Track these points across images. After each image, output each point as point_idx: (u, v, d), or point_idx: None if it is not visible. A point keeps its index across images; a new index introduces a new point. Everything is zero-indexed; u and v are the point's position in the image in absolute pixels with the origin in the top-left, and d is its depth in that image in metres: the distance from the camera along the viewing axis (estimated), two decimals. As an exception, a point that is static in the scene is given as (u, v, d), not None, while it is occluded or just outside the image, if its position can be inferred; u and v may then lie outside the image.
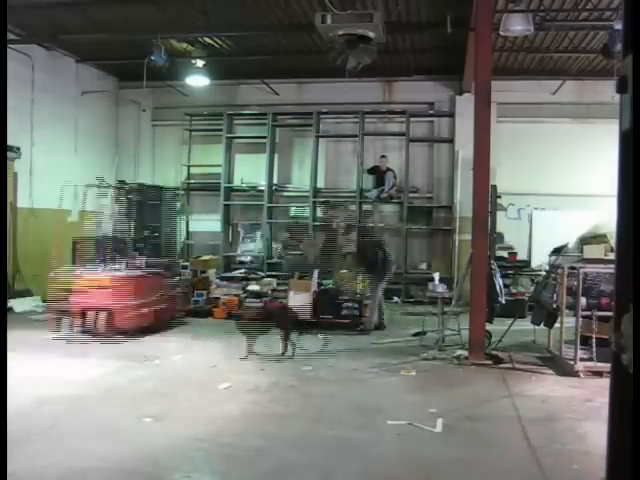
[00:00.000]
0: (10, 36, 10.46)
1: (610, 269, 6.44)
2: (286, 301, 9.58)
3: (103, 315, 8.32)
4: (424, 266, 13.76)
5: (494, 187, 10.05)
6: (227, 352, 7.78)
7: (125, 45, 11.94)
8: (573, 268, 7.13)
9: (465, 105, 11.66)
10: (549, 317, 7.65)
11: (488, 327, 7.86)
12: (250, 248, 14.42)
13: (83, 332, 8.39)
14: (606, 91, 10.07)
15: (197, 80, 12.49)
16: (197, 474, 4.22)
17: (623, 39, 1.53)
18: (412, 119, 13.54)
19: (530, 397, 6.07)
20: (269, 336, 7.70)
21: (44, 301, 11.29)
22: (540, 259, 11.73)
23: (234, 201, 14.51)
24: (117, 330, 8.33)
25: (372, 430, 5.00)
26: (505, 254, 12.34)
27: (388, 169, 13.55)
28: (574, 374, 6.76)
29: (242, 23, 10.91)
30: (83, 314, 8.39)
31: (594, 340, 6.67)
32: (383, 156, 13.61)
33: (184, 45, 11.65)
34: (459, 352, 7.62)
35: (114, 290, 8.43)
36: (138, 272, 9.19)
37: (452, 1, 9.62)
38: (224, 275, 12.01)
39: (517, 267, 12.27)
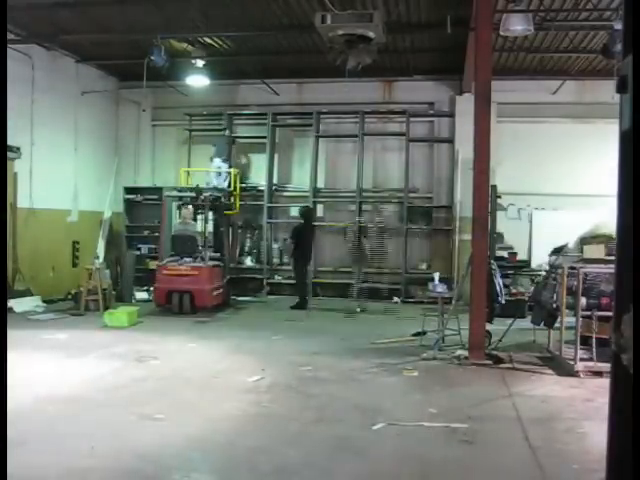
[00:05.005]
0: (10, 36, 10.45)
1: (610, 269, 6.44)
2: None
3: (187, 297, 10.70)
4: (424, 266, 13.77)
5: (494, 187, 10.06)
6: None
7: (125, 45, 11.95)
8: (573, 268, 7.13)
9: (465, 105, 11.65)
10: (549, 317, 7.65)
11: (488, 327, 7.86)
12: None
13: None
14: (606, 91, 10.05)
15: (197, 80, 12.48)
16: (197, 474, 4.22)
17: (623, 39, 1.53)
18: (412, 119, 13.54)
19: (530, 397, 6.07)
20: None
21: (44, 301, 11.32)
22: (540, 259, 11.73)
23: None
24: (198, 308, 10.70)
25: (372, 430, 4.99)
26: (505, 254, 12.33)
27: None
28: (574, 374, 6.76)
29: (242, 23, 10.90)
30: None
31: (594, 340, 6.68)
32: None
33: (184, 45, 11.64)
34: (459, 352, 7.62)
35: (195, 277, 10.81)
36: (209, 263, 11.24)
37: (452, 1, 9.62)
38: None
39: (517, 267, 12.27)
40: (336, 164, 14.40)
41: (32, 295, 11.25)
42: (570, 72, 12.70)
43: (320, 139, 14.05)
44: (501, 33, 9.23)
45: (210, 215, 12.25)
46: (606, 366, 6.10)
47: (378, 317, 11.33)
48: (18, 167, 11.41)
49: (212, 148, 13.56)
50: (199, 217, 12.11)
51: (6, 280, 9.98)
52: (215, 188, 12.65)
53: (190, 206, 11.87)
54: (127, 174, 14.70)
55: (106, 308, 10.75)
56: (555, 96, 13.04)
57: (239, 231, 14.56)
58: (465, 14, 9.56)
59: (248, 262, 14.36)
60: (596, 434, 4.53)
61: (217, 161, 13.36)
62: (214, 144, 13.59)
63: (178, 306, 10.72)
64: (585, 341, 6.88)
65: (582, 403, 5.81)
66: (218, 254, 11.97)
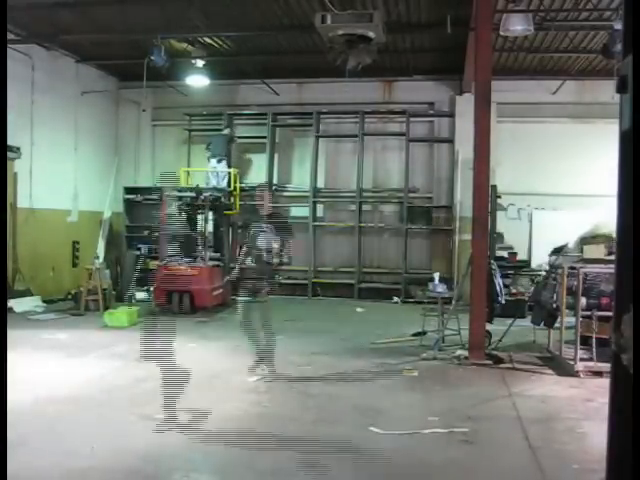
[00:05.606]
0: (10, 36, 10.45)
1: (610, 269, 6.44)
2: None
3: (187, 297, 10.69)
4: (424, 266, 13.76)
5: (494, 187, 10.05)
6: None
7: (125, 45, 11.95)
8: (573, 268, 7.13)
9: (465, 105, 11.65)
10: (549, 317, 7.65)
11: (488, 327, 7.86)
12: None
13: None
14: (606, 91, 10.06)
15: (197, 80, 12.48)
16: (196, 474, 4.22)
17: (623, 39, 1.53)
18: (412, 119, 13.54)
19: (530, 397, 6.07)
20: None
21: (44, 301, 11.32)
22: (540, 259, 11.72)
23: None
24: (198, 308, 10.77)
25: (372, 430, 4.99)
26: (505, 254, 12.34)
27: None
28: (574, 374, 6.76)
29: (242, 23, 10.90)
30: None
31: (594, 340, 6.67)
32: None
33: (184, 45, 11.64)
34: (459, 352, 7.62)
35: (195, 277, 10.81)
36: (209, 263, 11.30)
37: (452, 1, 9.62)
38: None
39: (517, 267, 12.27)
40: (336, 164, 14.40)
41: (32, 295, 11.24)
42: (570, 72, 12.69)
43: (320, 139, 14.05)
44: (501, 33, 9.23)
45: (210, 215, 12.27)
46: (606, 366, 6.10)
47: (378, 317, 11.32)
48: (18, 167, 11.41)
49: (208, 149, 13.57)
50: (199, 217, 12.12)
51: (6, 280, 9.98)
52: (215, 188, 12.66)
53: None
54: (127, 174, 14.70)
55: (106, 308, 10.75)
56: (555, 96, 13.03)
57: (239, 231, 14.55)
58: (465, 14, 9.56)
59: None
60: (596, 434, 4.53)
61: (213, 162, 13.38)
62: (208, 147, 13.58)
63: (178, 306, 10.74)
64: (585, 341, 6.88)
65: (582, 403, 5.81)
66: (218, 254, 12.01)
